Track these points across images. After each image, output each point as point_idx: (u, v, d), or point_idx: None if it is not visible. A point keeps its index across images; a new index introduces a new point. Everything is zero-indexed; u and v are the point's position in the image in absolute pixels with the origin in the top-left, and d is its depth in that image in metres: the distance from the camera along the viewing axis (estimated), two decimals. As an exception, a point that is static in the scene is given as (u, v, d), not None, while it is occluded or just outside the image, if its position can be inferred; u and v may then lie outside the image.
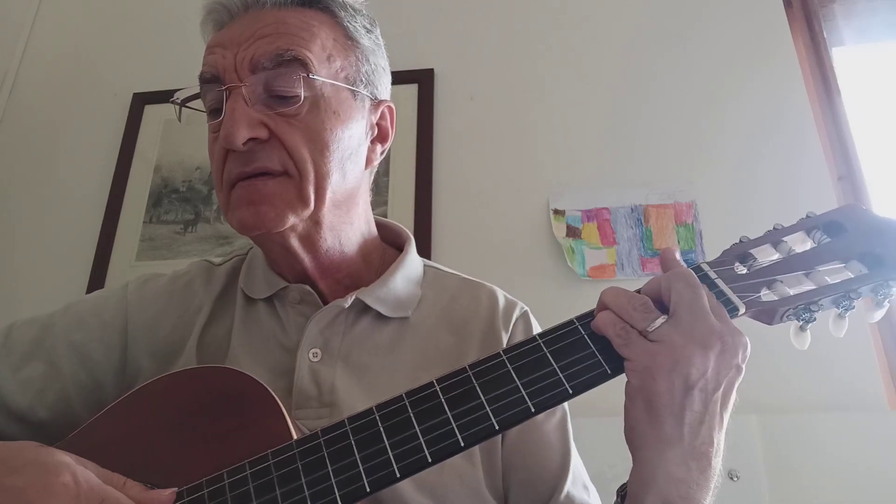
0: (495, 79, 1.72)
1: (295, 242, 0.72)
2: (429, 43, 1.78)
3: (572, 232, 1.54)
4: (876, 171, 1.53)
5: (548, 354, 0.57)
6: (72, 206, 1.75)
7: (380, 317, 0.75)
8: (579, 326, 0.58)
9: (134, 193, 1.72)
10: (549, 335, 0.58)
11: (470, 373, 0.56)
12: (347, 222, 0.76)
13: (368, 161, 0.78)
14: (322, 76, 0.69)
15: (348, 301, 0.73)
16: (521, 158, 1.63)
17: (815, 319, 0.59)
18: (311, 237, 0.72)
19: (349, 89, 0.73)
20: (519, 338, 0.77)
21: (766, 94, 1.59)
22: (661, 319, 0.55)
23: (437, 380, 0.57)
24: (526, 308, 0.82)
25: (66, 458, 0.51)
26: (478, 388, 0.55)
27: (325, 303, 0.75)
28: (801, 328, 0.60)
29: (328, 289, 0.76)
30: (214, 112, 0.70)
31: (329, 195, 0.70)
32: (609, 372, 0.55)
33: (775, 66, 1.61)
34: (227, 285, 0.80)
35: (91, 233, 1.68)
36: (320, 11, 0.73)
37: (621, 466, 0.59)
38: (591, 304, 0.60)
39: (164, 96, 1.79)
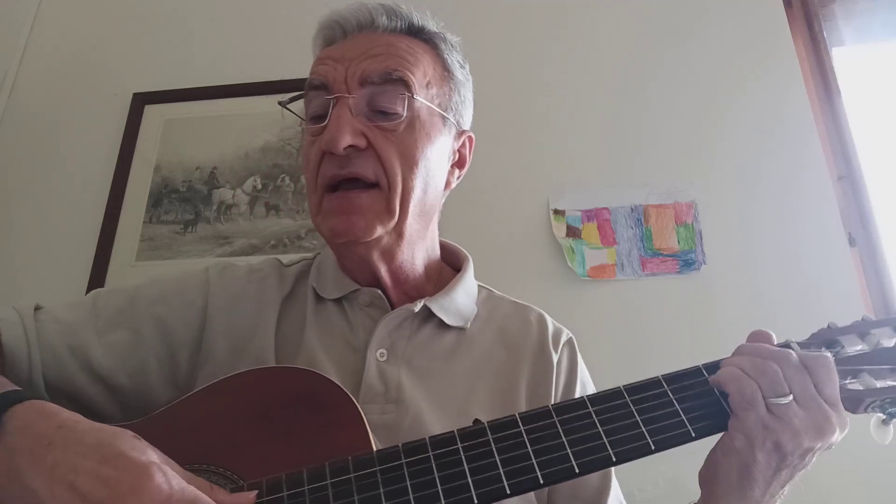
0: (495, 78, 1.72)
1: (375, 255, 0.77)
2: (429, 43, 1.77)
3: (572, 232, 1.53)
4: (876, 171, 1.53)
5: (634, 410, 0.59)
6: (72, 206, 1.75)
7: (441, 325, 0.81)
8: (662, 380, 0.61)
9: (134, 193, 1.72)
10: (636, 391, 0.60)
11: (556, 419, 0.59)
12: (422, 238, 0.82)
13: (447, 184, 0.85)
14: (421, 98, 0.77)
15: (417, 306, 0.79)
16: (521, 158, 1.63)
17: None
18: (391, 249, 0.78)
19: (441, 115, 0.80)
20: (565, 360, 0.83)
21: (767, 94, 1.59)
22: (788, 398, 0.57)
23: (519, 414, 0.59)
24: (571, 335, 0.87)
25: (155, 456, 0.51)
26: (560, 428, 0.58)
27: (392, 308, 0.80)
28: (885, 422, 0.61)
29: (396, 296, 0.82)
30: (317, 118, 0.76)
31: (412, 208, 0.76)
32: (693, 435, 0.57)
33: (775, 67, 1.61)
34: (295, 286, 0.85)
35: (91, 233, 1.68)
36: (424, 42, 0.82)
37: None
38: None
39: (164, 96, 1.82)
